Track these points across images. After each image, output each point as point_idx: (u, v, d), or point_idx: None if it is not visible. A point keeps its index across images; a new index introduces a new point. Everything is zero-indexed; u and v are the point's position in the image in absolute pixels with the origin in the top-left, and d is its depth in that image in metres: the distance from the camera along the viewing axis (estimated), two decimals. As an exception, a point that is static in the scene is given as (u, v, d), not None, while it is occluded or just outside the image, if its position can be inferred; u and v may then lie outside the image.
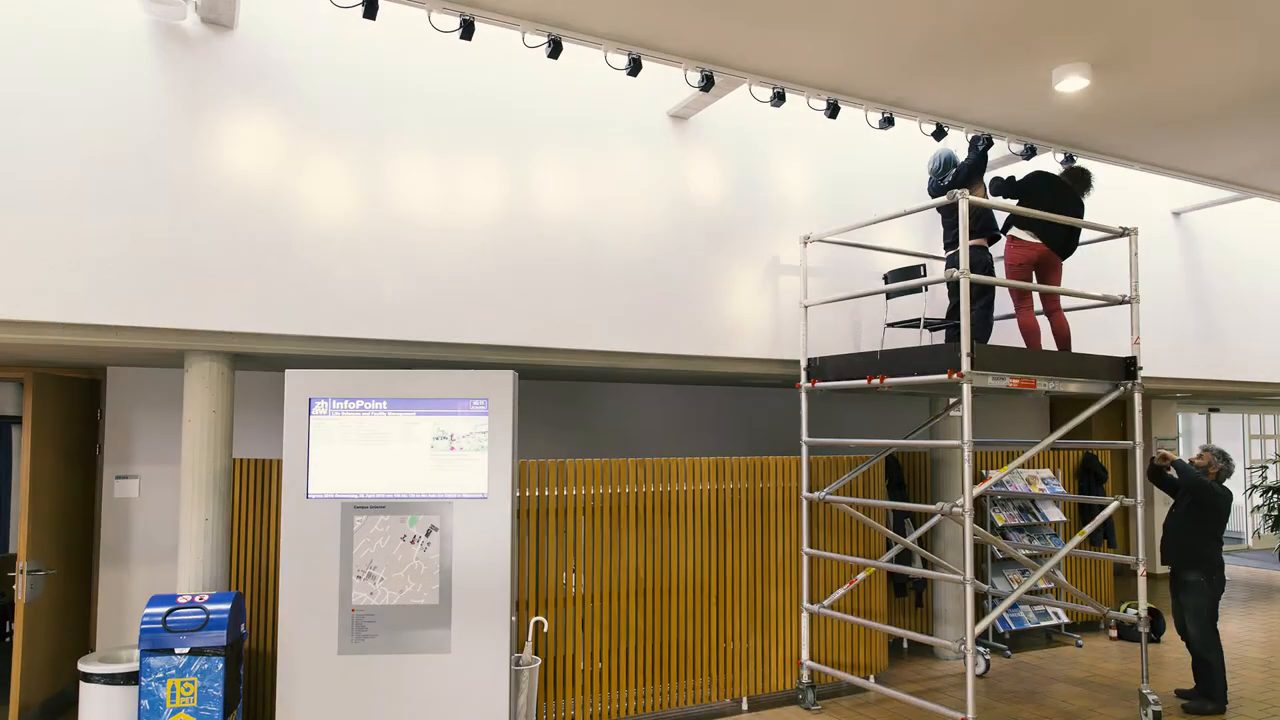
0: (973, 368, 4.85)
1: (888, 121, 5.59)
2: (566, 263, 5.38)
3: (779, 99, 5.23)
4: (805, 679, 5.85)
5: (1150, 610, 7.85)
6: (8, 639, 5.54)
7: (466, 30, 4.42)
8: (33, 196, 4.17)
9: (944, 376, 4.90)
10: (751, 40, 4.69)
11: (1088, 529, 5.59)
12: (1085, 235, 6.43)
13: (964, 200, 4.91)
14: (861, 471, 6.25)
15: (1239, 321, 8.82)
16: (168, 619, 4.19)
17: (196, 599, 4.29)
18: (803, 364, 6.04)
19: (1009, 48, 4.77)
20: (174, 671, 4.14)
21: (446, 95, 5.11)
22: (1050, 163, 6.79)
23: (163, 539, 5.93)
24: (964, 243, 4.92)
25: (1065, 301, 6.77)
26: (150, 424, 6.00)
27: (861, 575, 6.01)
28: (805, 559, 5.92)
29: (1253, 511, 13.52)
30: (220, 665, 4.17)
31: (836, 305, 6.43)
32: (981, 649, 6.94)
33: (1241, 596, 9.95)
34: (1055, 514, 7.99)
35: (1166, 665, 6.99)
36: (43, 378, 5.47)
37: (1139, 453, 5.67)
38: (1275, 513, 12.33)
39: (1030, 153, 6.20)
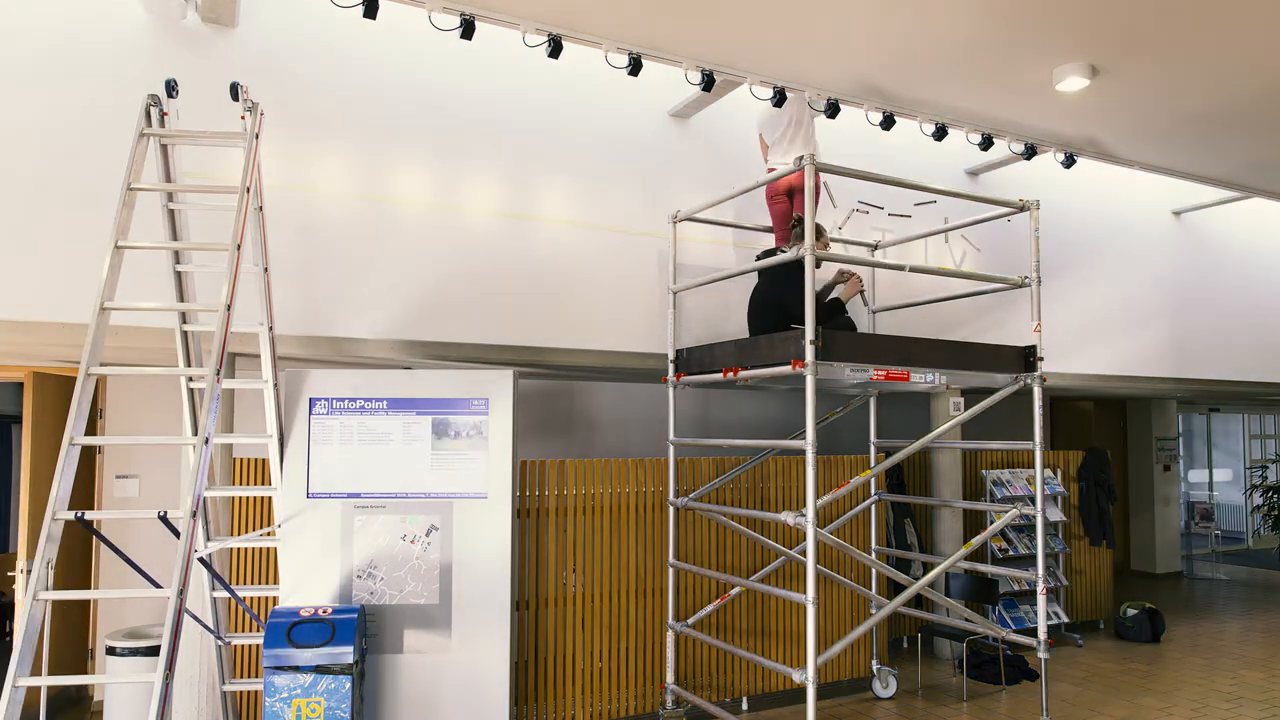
0: (819, 358, 4.19)
1: (889, 121, 5.59)
2: (567, 263, 5.38)
3: (779, 99, 5.23)
4: (670, 703, 5.33)
5: (1149, 610, 7.85)
6: (8, 638, 5.54)
7: (467, 30, 4.42)
8: (33, 197, 4.17)
9: (788, 369, 4.30)
10: (752, 42, 4.69)
11: (975, 541, 5.10)
12: (987, 212, 5.58)
13: (810, 164, 4.28)
14: (737, 474, 5.72)
15: (1239, 321, 8.82)
16: (291, 632, 3.91)
17: (320, 611, 4.05)
18: (670, 356, 5.40)
19: (1010, 48, 4.77)
20: (300, 691, 3.88)
21: (448, 95, 5.11)
22: (1050, 162, 6.78)
23: (162, 539, 5.93)
24: (809, 215, 4.27)
25: (963, 285, 6.08)
26: (150, 424, 6.00)
27: (735, 591, 5.48)
28: (671, 572, 5.35)
29: (1253, 512, 13.52)
30: (348, 685, 3.90)
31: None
32: (891, 670, 6.19)
33: (1241, 596, 9.95)
34: (1055, 514, 7.99)
35: (1168, 664, 6.98)
36: (43, 378, 5.47)
37: (1039, 454, 5.06)
38: (1275, 513, 12.32)
39: (1030, 152, 6.20)
